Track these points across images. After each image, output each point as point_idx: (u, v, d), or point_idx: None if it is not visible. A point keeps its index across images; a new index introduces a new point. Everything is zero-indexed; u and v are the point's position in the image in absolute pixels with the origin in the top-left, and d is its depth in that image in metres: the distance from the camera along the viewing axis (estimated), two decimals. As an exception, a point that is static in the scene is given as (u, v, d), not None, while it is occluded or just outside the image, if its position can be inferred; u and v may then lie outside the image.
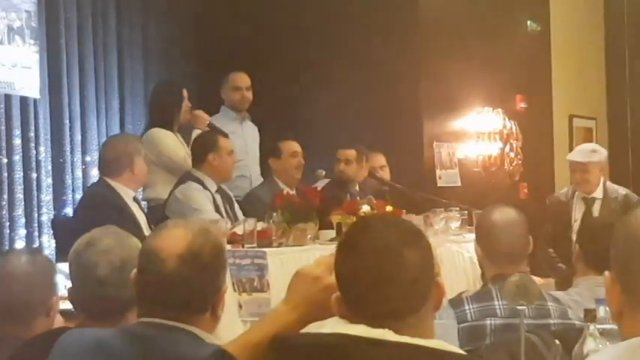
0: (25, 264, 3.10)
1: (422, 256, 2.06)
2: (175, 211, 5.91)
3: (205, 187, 6.02)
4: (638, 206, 6.21)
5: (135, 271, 2.47)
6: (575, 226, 6.73)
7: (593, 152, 6.97)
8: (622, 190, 6.96)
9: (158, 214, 6.07)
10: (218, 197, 6.08)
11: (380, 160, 7.64)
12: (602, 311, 2.88)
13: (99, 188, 5.62)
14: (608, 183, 7.11)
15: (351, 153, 7.22)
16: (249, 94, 7.23)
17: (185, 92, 6.70)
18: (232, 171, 6.35)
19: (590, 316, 2.90)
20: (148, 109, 7.16)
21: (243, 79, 7.25)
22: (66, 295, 3.00)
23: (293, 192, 6.51)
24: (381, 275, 2.01)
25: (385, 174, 7.63)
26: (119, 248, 2.84)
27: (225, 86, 7.27)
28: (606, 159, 7.14)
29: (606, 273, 1.88)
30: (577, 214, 6.85)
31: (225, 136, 6.36)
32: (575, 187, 6.98)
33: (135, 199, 5.64)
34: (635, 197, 6.91)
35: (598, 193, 6.88)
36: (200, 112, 6.81)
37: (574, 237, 6.47)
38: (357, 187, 7.28)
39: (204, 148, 6.17)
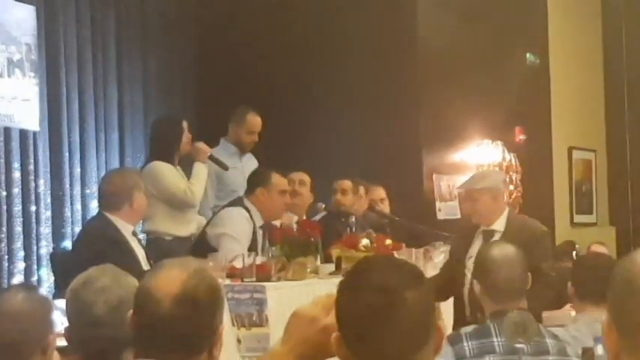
0: (20, 302, 3.06)
1: (423, 299, 2.05)
2: (212, 225, 6.04)
3: (251, 218, 6.01)
4: (543, 240, 5.77)
5: (131, 311, 2.46)
6: (470, 263, 5.32)
7: (481, 178, 6.02)
8: (530, 222, 5.84)
9: (157, 247, 6.08)
10: (260, 233, 6.05)
11: (380, 193, 7.65)
12: (599, 349, 2.87)
13: (98, 223, 5.61)
14: (514, 214, 6.16)
15: (347, 183, 7.26)
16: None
17: (185, 124, 6.65)
18: (281, 212, 6.28)
19: (587, 354, 2.89)
20: (148, 143, 7.14)
21: (259, 125, 7.17)
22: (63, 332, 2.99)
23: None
24: (381, 316, 2.00)
25: (385, 207, 7.63)
26: (116, 287, 2.84)
27: (241, 125, 7.13)
28: (499, 184, 5.88)
29: (604, 317, 1.88)
30: (474, 249, 5.40)
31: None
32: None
33: (134, 234, 5.63)
34: (542, 229, 5.80)
35: (499, 226, 5.66)
36: (201, 144, 6.76)
37: (468, 274, 5.39)
38: (354, 219, 7.28)
39: (255, 181, 6.20)
